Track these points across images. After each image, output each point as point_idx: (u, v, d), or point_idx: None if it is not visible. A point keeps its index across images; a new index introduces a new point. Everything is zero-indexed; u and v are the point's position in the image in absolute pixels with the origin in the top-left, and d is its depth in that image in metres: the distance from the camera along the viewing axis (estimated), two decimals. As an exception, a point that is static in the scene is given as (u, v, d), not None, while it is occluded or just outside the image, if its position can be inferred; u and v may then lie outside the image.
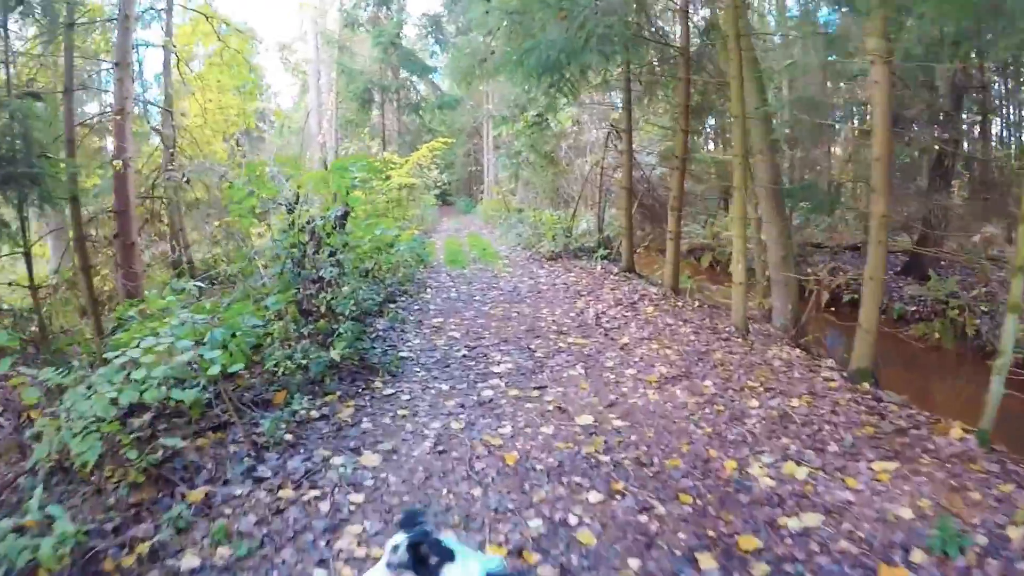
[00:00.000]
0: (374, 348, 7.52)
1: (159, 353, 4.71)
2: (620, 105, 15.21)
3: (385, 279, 11.70)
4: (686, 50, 11.34)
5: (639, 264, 14.41)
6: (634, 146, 14.39)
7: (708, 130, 18.83)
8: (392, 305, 10.53)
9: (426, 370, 7.12)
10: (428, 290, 12.09)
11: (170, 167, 13.77)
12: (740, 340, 8.18)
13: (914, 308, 13.10)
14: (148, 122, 16.74)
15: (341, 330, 6.81)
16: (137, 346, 4.68)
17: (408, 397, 6.25)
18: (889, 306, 13.10)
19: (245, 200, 7.27)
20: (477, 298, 11.25)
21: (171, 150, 15.61)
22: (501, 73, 11.76)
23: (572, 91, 11.22)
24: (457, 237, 23.15)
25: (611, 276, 12.94)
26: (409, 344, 8.19)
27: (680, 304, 10.24)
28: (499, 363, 7.27)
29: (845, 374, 6.88)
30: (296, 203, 7.76)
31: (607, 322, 9.07)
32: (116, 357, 4.60)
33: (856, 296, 13.42)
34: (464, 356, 7.60)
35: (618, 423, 5.52)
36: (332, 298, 7.15)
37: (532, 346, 7.95)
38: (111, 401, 4.32)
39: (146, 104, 16.89)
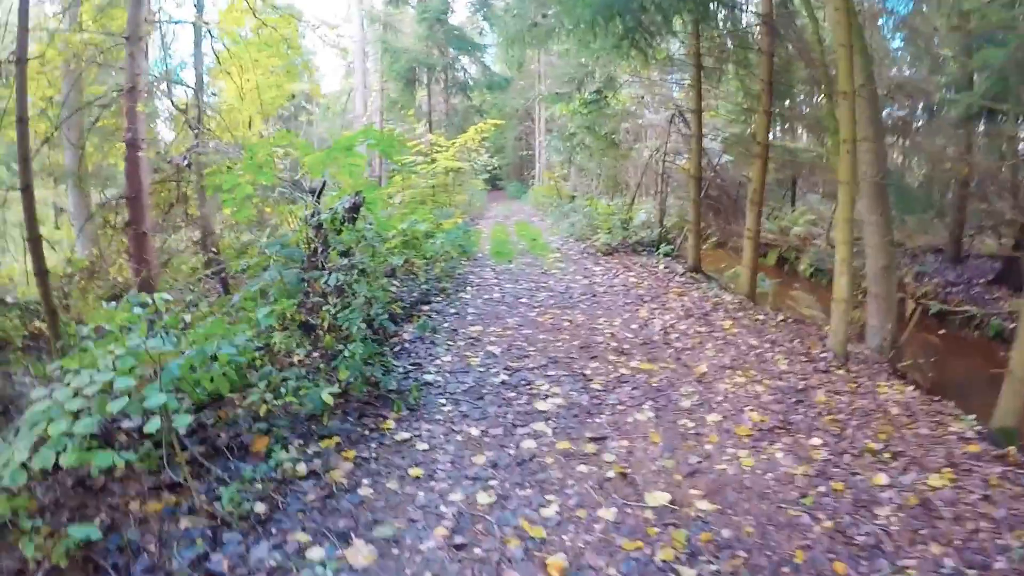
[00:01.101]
0: (392, 371, 6.12)
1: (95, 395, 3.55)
2: (686, 84, 13.65)
3: (419, 275, 10.33)
4: (769, 16, 9.68)
5: (704, 262, 12.78)
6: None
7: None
8: (425, 307, 9.16)
9: (453, 403, 5.71)
10: (468, 288, 10.67)
11: (194, 150, 12.65)
12: (841, 371, 6.62)
13: (1013, 324, 11.25)
14: (173, 103, 15.75)
15: (347, 352, 5.44)
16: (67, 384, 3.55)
17: (426, 446, 4.85)
18: (984, 321, 11.33)
19: (237, 189, 5.96)
20: (523, 300, 9.82)
21: (196, 131, 14.62)
22: (554, 37, 10.25)
23: (648, 42, 9.60)
24: (505, 225, 21.72)
25: (676, 277, 11.38)
26: (437, 363, 6.79)
27: (761, 317, 8.65)
28: (546, 396, 5.83)
29: (982, 430, 5.31)
30: (320, 191, 6.43)
31: (677, 340, 7.55)
32: (39, 400, 3.49)
33: (946, 307, 11.73)
34: (502, 384, 6.17)
35: (704, 506, 4.02)
36: (339, 310, 5.80)
37: (587, 371, 6.48)
38: (21, 465, 3.25)
39: (172, 83, 15.89)
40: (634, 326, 8.17)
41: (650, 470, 4.48)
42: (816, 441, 4.92)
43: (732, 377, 6.23)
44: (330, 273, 5.99)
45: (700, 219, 12.26)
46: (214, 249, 12.98)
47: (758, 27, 10.95)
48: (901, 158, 15.82)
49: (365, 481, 4.31)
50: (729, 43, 12.06)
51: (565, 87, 16.96)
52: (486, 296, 10.12)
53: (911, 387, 6.32)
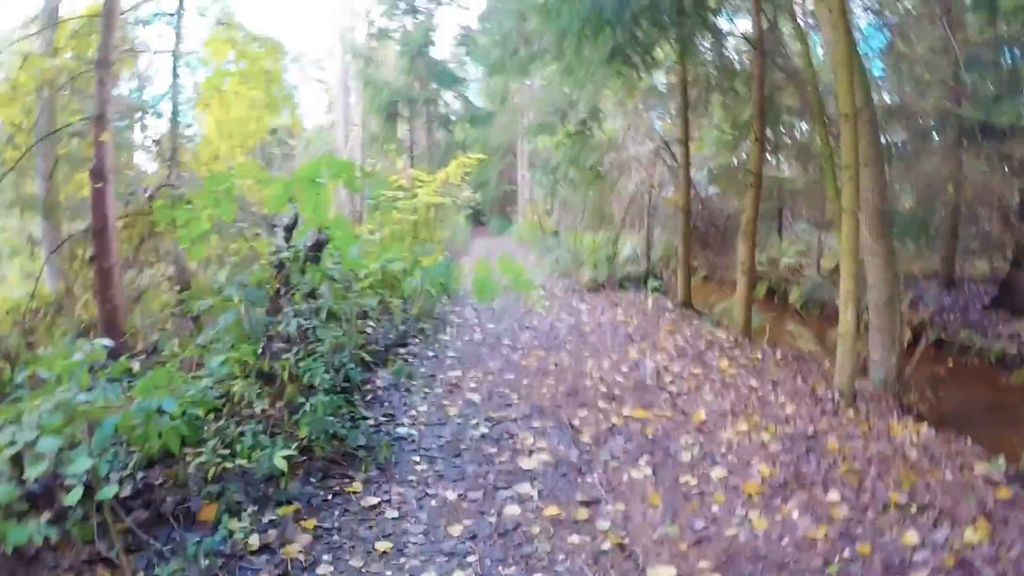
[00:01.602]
0: (361, 424, 5.51)
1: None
2: (672, 115, 13.30)
3: (396, 315, 9.77)
4: (760, 41, 9.30)
5: (694, 297, 12.29)
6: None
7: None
8: (402, 350, 8.58)
9: (428, 461, 5.14)
10: (448, 329, 10.12)
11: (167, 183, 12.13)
12: (850, 412, 6.10)
13: (1015, 350, 10.78)
14: (143, 133, 15.30)
15: (308, 405, 4.87)
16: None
17: (396, 514, 4.27)
18: (984, 347, 10.87)
19: (192, 223, 5.41)
20: (506, 341, 9.29)
21: (170, 164, 14.14)
22: (537, 61, 9.84)
23: (642, 56, 9.18)
24: (488, 261, 21.19)
25: (666, 313, 10.89)
26: (412, 413, 6.21)
27: (759, 356, 8.14)
28: (530, 451, 5.26)
29: (1009, 472, 4.80)
30: (292, 226, 5.89)
31: (672, 383, 7.01)
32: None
33: (944, 336, 11.26)
34: (483, 437, 5.60)
35: (716, 583, 3.48)
36: (301, 357, 5.25)
37: (575, 421, 5.92)
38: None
39: (147, 113, 15.46)
40: (624, 368, 7.63)
41: (651, 539, 3.92)
42: (834, 496, 4.38)
43: (735, 424, 5.68)
44: (292, 316, 5.45)
45: (689, 252, 11.78)
46: (185, 287, 12.38)
47: (745, 53, 10.63)
48: (892, 185, 15.50)
49: (325, 557, 3.76)
50: (714, 71, 11.70)
51: (549, 118, 16.59)
52: (467, 337, 9.58)
53: (925, 425, 5.81)
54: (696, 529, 4.03)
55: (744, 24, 11.28)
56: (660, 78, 13.36)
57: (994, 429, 7.25)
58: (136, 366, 5.60)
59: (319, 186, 5.37)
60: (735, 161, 16.44)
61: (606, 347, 8.70)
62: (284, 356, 5.27)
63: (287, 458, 4.34)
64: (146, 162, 16.48)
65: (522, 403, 6.48)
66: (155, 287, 12.45)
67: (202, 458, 4.33)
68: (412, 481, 4.76)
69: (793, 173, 16.79)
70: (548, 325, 10.25)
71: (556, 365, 7.87)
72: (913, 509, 4.20)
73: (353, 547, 3.89)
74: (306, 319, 5.55)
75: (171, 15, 15.32)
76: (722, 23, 11.21)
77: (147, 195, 9.45)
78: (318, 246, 5.66)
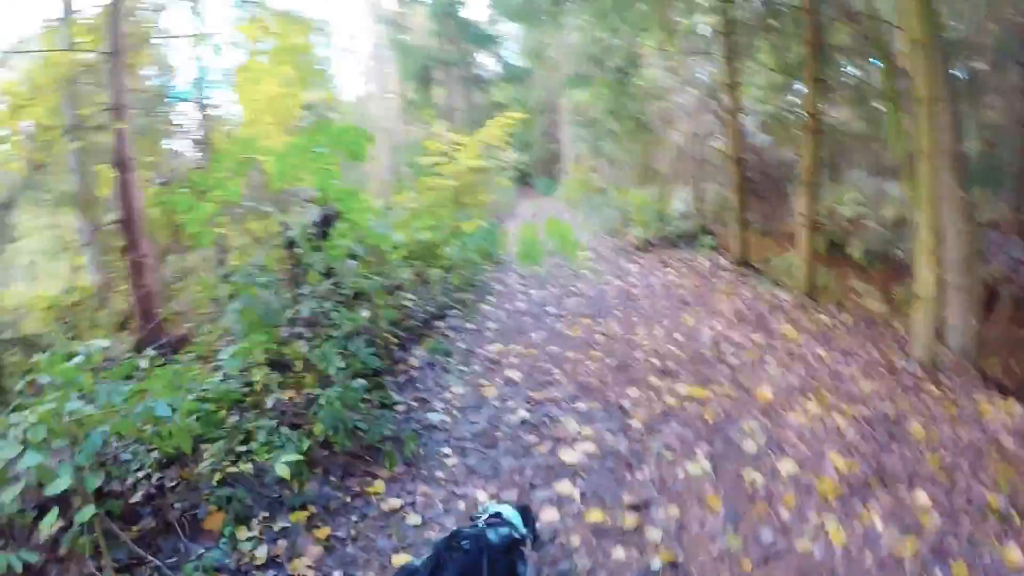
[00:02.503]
0: (384, 414, 5.00)
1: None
2: (717, 59, 12.40)
3: (435, 287, 9.26)
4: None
5: (751, 253, 11.49)
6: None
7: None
8: (440, 323, 8.09)
9: (460, 453, 4.65)
10: (490, 298, 9.58)
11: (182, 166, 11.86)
12: (932, 387, 5.42)
13: None
14: (175, 120, 15.01)
15: (323, 399, 4.40)
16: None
17: (418, 520, 3.84)
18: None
19: (196, 209, 4.96)
20: (550, 309, 8.72)
21: (201, 148, 13.87)
22: (564, 5, 9.10)
23: None
24: (533, 223, 20.58)
25: (721, 272, 10.18)
26: (446, 395, 5.73)
27: (826, 319, 7.42)
28: (573, 440, 4.73)
29: None
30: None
31: (732, 354, 6.37)
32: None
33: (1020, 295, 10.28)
34: (521, 423, 5.09)
35: (791, 616, 2.92)
36: (318, 344, 4.78)
37: (624, 402, 5.35)
38: None
39: (175, 99, 15.18)
40: (678, 336, 7.02)
41: (710, 555, 3.38)
42: (922, 498, 3.76)
43: (804, 404, 5.05)
44: (307, 298, 4.97)
45: (744, 206, 10.99)
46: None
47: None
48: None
49: (336, 574, 3.31)
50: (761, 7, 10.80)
51: (585, 68, 15.72)
52: (509, 306, 9.04)
53: (1017, 405, 5.10)
54: (762, 542, 3.46)
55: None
56: (702, 19, 12.40)
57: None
58: (144, 363, 5.25)
59: (326, 156, 4.87)
60: (786, 106, 15.47)
61: (658, 313, 8.08)
62: (295, 343, 4.82)
63: (295, 462, 3.88)
64: (183, 149, 16.32)
65: (566, 381, 5.94)
66: (197, 272, 12.23)
67: (211, 460, 3.93)
68: (440, 479, 4.31)
69: (845, 118, 15.78)
70: (595, 290, 9.63)
71: (604, 335, 7.30)
72: (1015, 517, 3.58)
73: (368, 560, 3.49)
74: (324, 300, 5.07)
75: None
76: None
77: (159, 182, 9.06)
78: (327, 221, 5.14)
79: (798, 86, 13.95)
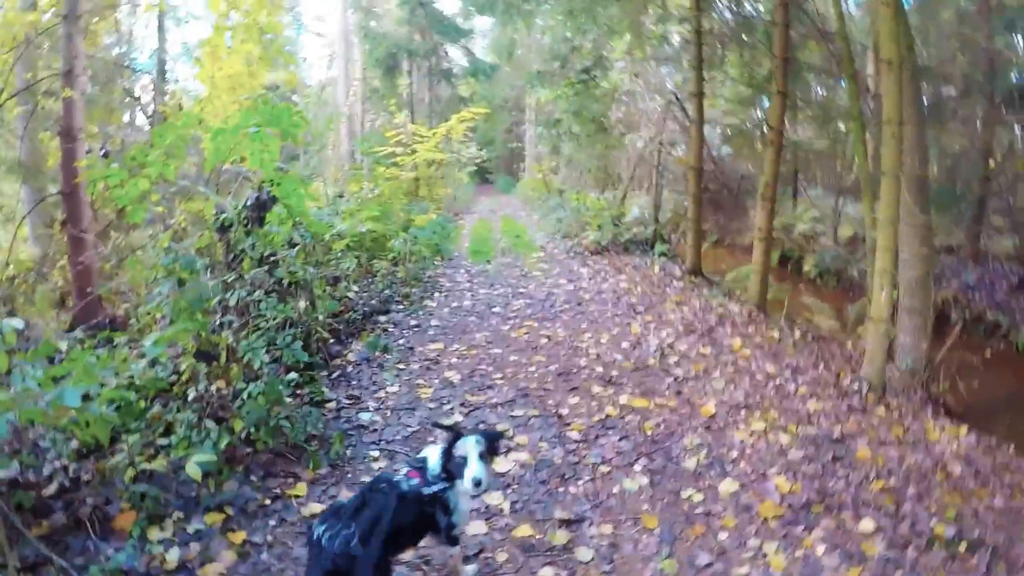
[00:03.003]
0: (312, 412, 4.68)
1: None
2: (684, 66, 12.33)
3: (380, 280, 8.97)
4: (785, -15, 8.31)
5: (704, 263, 11.38)
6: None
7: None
8: (383, 318, 7.81)
9: (388, 457, 4.39)
10: (436, 294, 9.30)
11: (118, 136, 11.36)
12: (880, 409, 5.31)
13: None
14: (131, 91, 14.48)
15: (247, 393, 4.10)
16: None
17: (337, 529, 3.52)
18: (1011, 331, 9.99)
19: (128, 185, 4.63)
20: (497, 309, 8.48)
21: (151, 120, 13.38)
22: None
23: None
24: (490, 220, 20.36)
25: (673, 281, 10.02)
26: (380, 395, 5.46)
27: (775, 334, 7.30)
28: (507, 448, 4.47)
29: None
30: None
31: (677, 364, 6.20)
32: None
33: (967, 318, 10.34)
34: (455, 428, 4.83)
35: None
36: (246, 335, 4.47)
37: (564, 410, 5.13)
38: None
39: (129, 69, 14.65)
40: (625, 344, 6.83)
41: (643, 577, 3.16)
42: (868, 525, 3.59)
43: (749, 421, 4.88)
44: (238, 286, 4.67)
45: (700, 215, 10.90)
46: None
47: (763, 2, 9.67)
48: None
49: (248, 579, 3.04)
50: (732, 20, 10.73)
51: (550, 66, 15.56)
52: (455, 304, 8.78)
53: (964, 429, 5.03)
54: (698, 566, 3.26)
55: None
56: (672, 27, 12.30)
57: (1017, 421, 6.50)
58: (64, 345, 4.92)
59: (267, 138, 4.56)
60: (751, 120, 15.49)
61: (606, 319, 7.89)
62: (223, 334, 4.51)
63: (211, 462, 3.59)
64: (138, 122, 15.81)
65: (506, 385, 5.71)
66: (143, 250, 11.76)
67: (117, 458, 3.63)
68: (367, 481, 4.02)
69: (808, 135, 15.87)
70: (545, 292, 9.41)
71: (549, 339, 7.08)
72: (962, 547, 3.43)
73: (282, 570, 3.20)
74: (253, 288, 4.77)
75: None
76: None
77: (101, 154, 8.63)
78: (261, 206, 4.83)
79: (764, 101, 14.01)
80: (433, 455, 2.88)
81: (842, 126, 14.98)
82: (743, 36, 10.90)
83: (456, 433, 2.87)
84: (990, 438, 4.99)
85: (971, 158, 11.84)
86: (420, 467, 2.85)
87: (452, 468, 2.77)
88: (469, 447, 2.75)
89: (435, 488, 2.76)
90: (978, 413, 6.28)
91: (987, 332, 10.18)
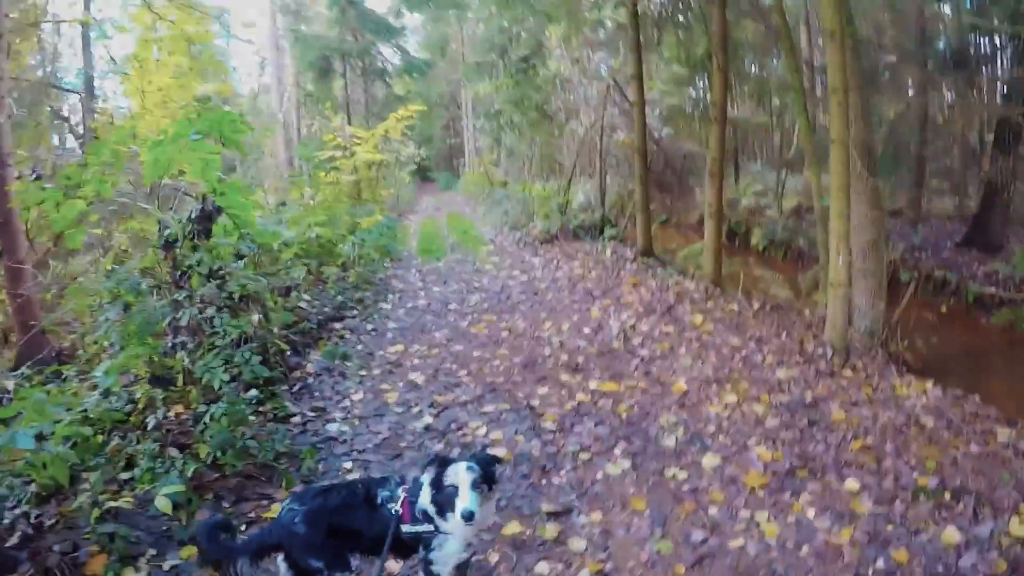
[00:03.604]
0: (278, 429, 4.50)
1: None
2: (621, 51, 12.35)
3: (332, 287, 8.75)
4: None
5: (654, 244, 11.39)
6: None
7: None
8: (338, 325, 7.62)
9: (362, 467, 4.25)
10: (390, 296, 9.13)
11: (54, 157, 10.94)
12: (847, 371, 5.36)
13: (993, 289, 10.15)
14: (60, 111, 13.97)
15: (208, 417, 3.93)
16: None
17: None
18: (960, 286, 10.25)
19: (64, 208, 4.41)
20: (453, 306, 8.36)
21: (82, 140, 12.90)
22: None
23: None
24: (435, 218, 20.16)
25: (627, 264, 10.02)
26: (345, 404, 5.29)
27: (734, 307, 7.33)
28: (482, 447, 4.38)
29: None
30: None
31: (642, 345, 6.17)
32: None
33: (917, 276, 10.59)
34: (426, 429, 4.71)
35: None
36: (200, 356, 4.29)
37: (535, 401, 5.05)
38: None
39: (56, 88, 14.15)
40: (586, 330, 6.78)
41: (640, 562, 3.11)
42: (852, 484, 3.61)
43: (721, 394, 4.87)
44: (188, 304, 4.48)
45: (648, 197, 10.90)
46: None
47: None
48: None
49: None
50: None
51: (488, 58, 15.43)
52: (410, 304, 8.63)
53: (930, 384, 5.10)
54: (694, 542, 3.22)
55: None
56: (608, 12, 12.32)
57: (985, 377, 6.66)
58: (10, 385, 4.68)
59: (207, 146, 4.38)
60: (689, 99, 15.60)
61: (564, 306, 7.84)
62: (178, 355, 4.32)
63: (178, 492, 3.42)
64: (67, 143, 15.29)
65: (472, 381, 5.60)
66: (85, 277, 11.31)
67: (90, 493, 3.42)
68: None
69: (746, 112, 16.08)
70: (499, 284, 9.33)
71: (510, 331, 6.99)
72: (946, 496, 3.49)
73: (262, 594, 3.01)
74: (205, 305, 4.58)
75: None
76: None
77: (32, 177, 8.25)
78: (206, 217, 4.64)
79: (702, 81, 14.12)
80: (424, 483, 2.57)
81: (778, 100, 15.24)
82: (678, 17, 10.94)
83: (444, 460, 2.57)
84: (956, 390, 5.07)
85: (908, 123, 12.11)
86: (413, 496, 2.55)
87: (442, 500, 2.47)
88: (460, 476, 2.45)
89: (417, 530, 2.51)
90: (937, 367, 6.40)
91: (936, 289, 10.41)
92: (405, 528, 2.49)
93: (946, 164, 13.47)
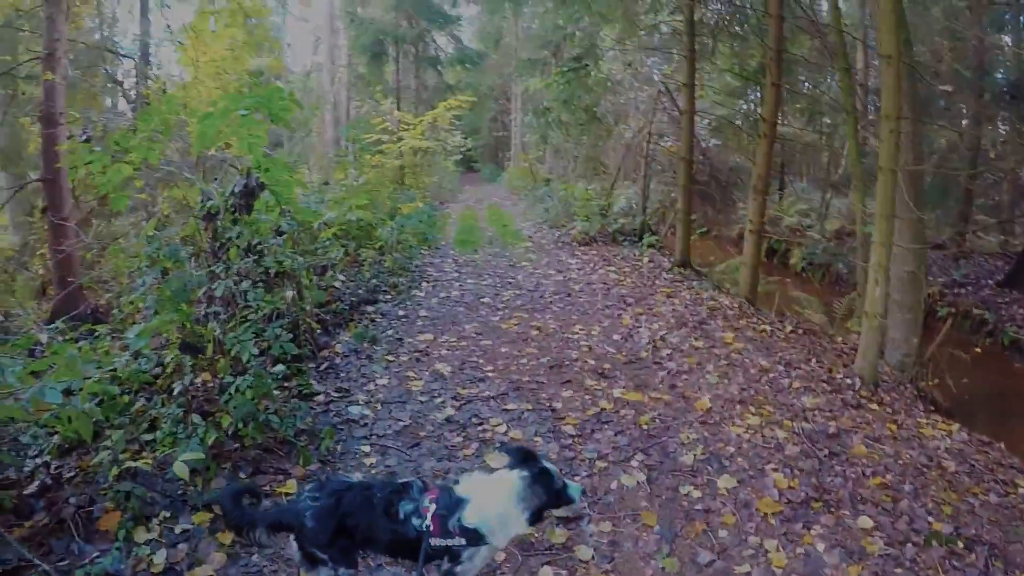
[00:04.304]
0: (301, 406, 4.56)
1: None
2: (675, 57, 12.26)
3: (367, 270, 8.83)
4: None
5: (692, 254, 11.32)
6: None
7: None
8: (370, 308, 7.70)
9: (380, 452, 4.30)
10: (424, 284, 9.18)
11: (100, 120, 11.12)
12: (874, 405, 5.30)
13: None
14: (114, 76, 14.22)
15: (234, 387, 4.00)
16: None
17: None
18: (997, 326, 10.05)
19: (111, 171, 4.50)
20: (486, 300, 8.38)
21: (134, 106, 13.15)
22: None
23: None
24: (476, 210, 20.22)
25: (663, 273, 9.98)
26: (370, 387, 5.36)
27: (767, 327, 7.28)
28: (500, 444, 4.40)
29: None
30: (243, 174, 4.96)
31: (670, 358, 6.15)
32: None
33: (955, 312, 10.39)
34: (447, 422, 4.75)
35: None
36: (231, 327, 4.37)
37: (557, 404, 5.07)
38: None
39: (112, 53, 14.40)
40: (616, 337, 6.78)
41: (643, 577, 3.11)
42: (866, 522, 3.58)
43: (744, 416, 4.85)
44: (225, 276, 4.56)
45: (690, 207, 10.84)
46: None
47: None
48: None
49: (237, 583, 2.97)
50: (724, 9, 10.66)
51: (540, 54, 15.42)
52: (443, 294, 8.67)
53: (957, 426, 5.04)
54: (700, 563, 3.22)
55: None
56: (665, 17, 12.23)
57: (1013, 424, 6.54)
58: (44, 338, 4.81)
59: (254, 122, 4.44)
60: (739, 111, 15.46)
61: (596, 310, 7.83)
62: (209, 325, 4.40)
63: (193, 461, 3.49)
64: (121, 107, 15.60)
65: (497, 377, 5.63)
66: (126, 238, 11.56)
67: (99, 456, 3.52)
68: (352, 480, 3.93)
69: (796, 129, 15.88)
70: (534, 282, 9.33)
71: (539, 330, 7.00)
72: (960, 544, 3.45)
73: (274, 571, 3.12)
74: (241, 278, 4.66)
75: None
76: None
77: (84, 137, 8.45)
78: (249, 192, 4.72)
79: (754, 94, 13.97)
80: (479, 501, 2.45)
81: (829, 120, 15.04)
82: (735, 27, 10.83)
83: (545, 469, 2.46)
84: (982, 435, 5.01)
85: (959, 154, 11.89)
86: (446, 509, 2.43)
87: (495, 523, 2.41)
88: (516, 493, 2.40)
89: (447, 543, 2.43)
90: (966, 408, 6.33)
91: (973, 328, 10.24)
92: (434, 542, 2.43)
93: (995, 199, 13.22)
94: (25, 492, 3.26)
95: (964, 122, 12.29)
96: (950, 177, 10.91)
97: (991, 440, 5.05)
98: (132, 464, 3.52)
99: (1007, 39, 12.54)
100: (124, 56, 14.20)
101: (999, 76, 11.77)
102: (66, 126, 8.84)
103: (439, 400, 5.12)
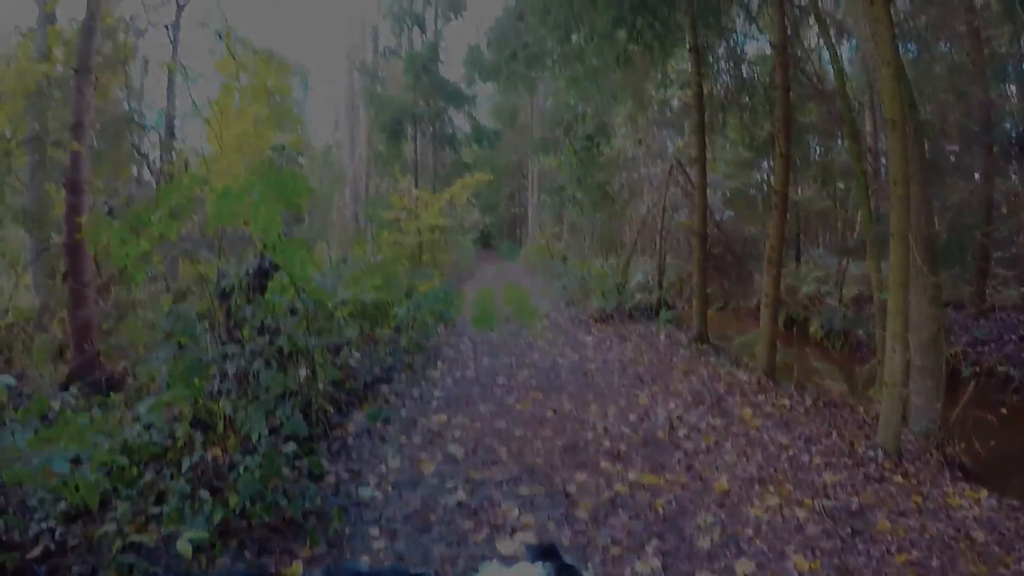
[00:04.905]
0: (310, 486, 4.49)
1: None
2: (685, 132, 12.44)
3: (382, 348, 8.82)
4: (783, 46, 8.35)
5: (710, 329, 11.23)
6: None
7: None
8: (384, 387, 7.66)
9: (389, 535, 4.19)
10: (439, 363, 9.16)
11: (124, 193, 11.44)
12: (898, 477, 5.14)
13: None
14: (139, 147, 14.68)
15: (243, 466, 3.96)
16: None
17: (331, 619, 3.34)
18: (1022, 384, 9.79)
19: (130, 244, 4.58)
20: (501, 380, 8.32)
21: (158, 179, 13.53)
22: (539, 64, 9.13)
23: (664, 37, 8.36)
24: (492, 287, 20.30)
25: (680, 349, 9.91)
26: (381, 469, 5.28)
27: (786, 402, 7.15)
28: (513, 529, 4.29)
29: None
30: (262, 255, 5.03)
31: (687, 437, 6.03)
32: None
33: (979, 371, 10.17)
34: (459, 506, 4.64)
35: None
36: (243, 405, 4.35)
37: (572, 487, 4.95)
38: None
39: (141, 126, 14.91)
40: (632, 417, 6.68)
41: None
42: (894, 607, 3.42)
43: (763, 496, 4.71)
44: (237, 354, 4.57)
45: (705, 281, 10.81)
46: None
47: (762, 68, 9.78)
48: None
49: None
50: (731, 83, 10.85)
51: (553, 133, 15.68)
52: (458, 373, 8.63)
53: (985, 493, 4.86)
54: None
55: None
56: (674, 92, 12.50)
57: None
58: (56, 404, 4.84)
59: (270, 204, 4.52)
60: (752, 182, 15.59)
61: (613, 390, 7.74)
62: (220, 403, 4.40)
63: (197, 539, 3.44)
64: (144, 179, 16.06)
65: (511, 461, 5.53)
66: (143, 307, 11.69)
67: (104, 527, 3.49)
68: (364, 566, 3.83)
69: (809, 195, 15.95)
70: (550, 361, 9.28)
71: (555, 412, 6.92)
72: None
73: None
74: (253, 358, 4.67)
75: (167, 26, 14.84)
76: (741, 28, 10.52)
77: (105, 210, 8.65)
78: (263, 273, 4.77)
79: (765, 162, 14.10)
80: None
81: (842, 185, 15.10)
82: (744, 99, 11.00)
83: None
84: (1011, 500, 4.83)
85: (972, 210, 11.84)
86: None
87: None
88: None
89: None
90: (996, 472, 6.11)
91: (999, 386, 10.00)
92: None
93: (1012, 253, 13.08)
94: (28, 556, 3.25)
95: (976, 175, 12.27)
96: (965, 233, 10.85)
97: (1021, 504, 4.86)
98: (137, 538, 3.49)
99: (1012, 88, 12.64)
100: (149, 128, 14.65)
101: (1007, 125, 11.79)
102: (90, 195, 9.07)
103: (451, 484, 5.01)
